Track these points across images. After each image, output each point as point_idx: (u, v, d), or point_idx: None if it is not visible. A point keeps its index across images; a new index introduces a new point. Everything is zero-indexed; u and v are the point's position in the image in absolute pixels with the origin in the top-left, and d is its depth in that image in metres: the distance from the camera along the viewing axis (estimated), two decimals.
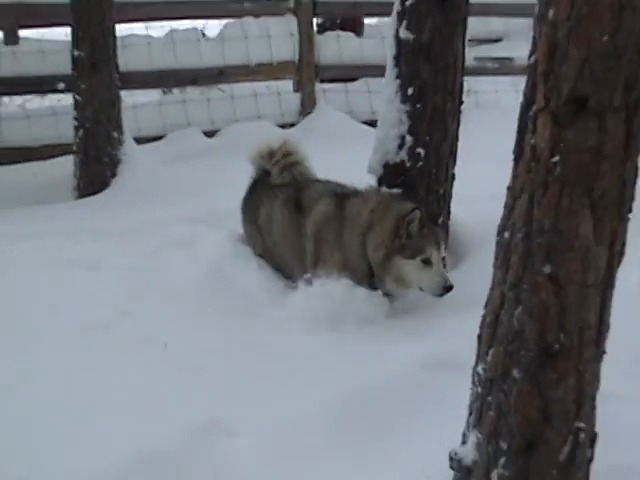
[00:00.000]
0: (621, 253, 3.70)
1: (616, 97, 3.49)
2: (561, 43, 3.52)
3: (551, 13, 3.54)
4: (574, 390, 3.67)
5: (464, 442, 3.93)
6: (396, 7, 7.57)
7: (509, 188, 3.77)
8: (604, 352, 3.78)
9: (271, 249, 7.68)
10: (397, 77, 7.58)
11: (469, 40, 8.08)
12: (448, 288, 6.72)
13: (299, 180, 7.80)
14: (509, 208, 3.75)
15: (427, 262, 6.77)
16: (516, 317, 3.68)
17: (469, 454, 3.87)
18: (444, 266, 6.94)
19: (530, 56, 3.67)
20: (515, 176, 3.73)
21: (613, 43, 3.46)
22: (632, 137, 3.55)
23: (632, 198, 3.65)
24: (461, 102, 7.76)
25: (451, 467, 3.96)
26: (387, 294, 7.02)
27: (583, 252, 3.58)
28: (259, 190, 7.97)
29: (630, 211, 3.67)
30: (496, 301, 3.79)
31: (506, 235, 3.75)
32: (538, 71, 3.60)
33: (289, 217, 7.49)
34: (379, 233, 6.90)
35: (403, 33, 7.49)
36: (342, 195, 7.29)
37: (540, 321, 3.64)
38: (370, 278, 7.00)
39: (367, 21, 15.18)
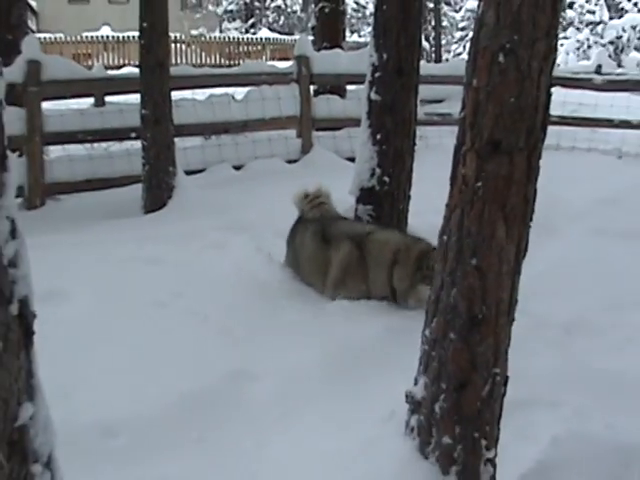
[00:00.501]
0: (525, 249, 3.72)
1: (520, 140, 3.52)
2: (482, 103, 3.55)
3: (475, 82, 3.57)
4: (492, 346, 3.69)
5: (416, 384, 3.94)
6: (368, 78, 7.67)
7: (447, 205, 3.79)
8: (514, 319, 3.80)
9: (299, 267, 7.32)
10: (369, 127, 7.65)
11: (421, 100, 8.12)
12: None
13: (326, 217, 7.44)
14: (447, 219, 3.77)
15: None
16: (452, 296, 3.70)
17: (419, 392, 3.88)
18: None
19: (461, 112, 3.69)
20: (451, 196, 3.75)
21: (518, 103, 3.49)
22: (532, 168, 3.59)
23: (532, 211, 3.67)
24: (414, 144, 7.81)
25: (406, 402, 3.97)
26: None
27: (499, 249, 3.60)
28: (298, 224, 7.57)
29: (531, 220, 3.69)
30: (438, 285, 3.81)
31: (444, 238, 3.76)
32: (466, 123, 3.62)
33: (316, 247, 7.15)
34: (404, 268, 6.61)
35: (373, 96, 7.59)
36: (360, 236, 6.96)
37: (469, 298, 3.65)
38: (393, 299, 6.72)
39: (349, 87, 15.09)
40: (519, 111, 3.51)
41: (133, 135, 11.41)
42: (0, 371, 2.04)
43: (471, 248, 3.63)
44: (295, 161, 12.95)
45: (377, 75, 7.57)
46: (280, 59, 33.67)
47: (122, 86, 12.67)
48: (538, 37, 3.48)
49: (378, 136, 7.59)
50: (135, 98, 10.69)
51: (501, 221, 3.59)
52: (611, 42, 41.04)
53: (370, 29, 7.80)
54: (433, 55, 42.91)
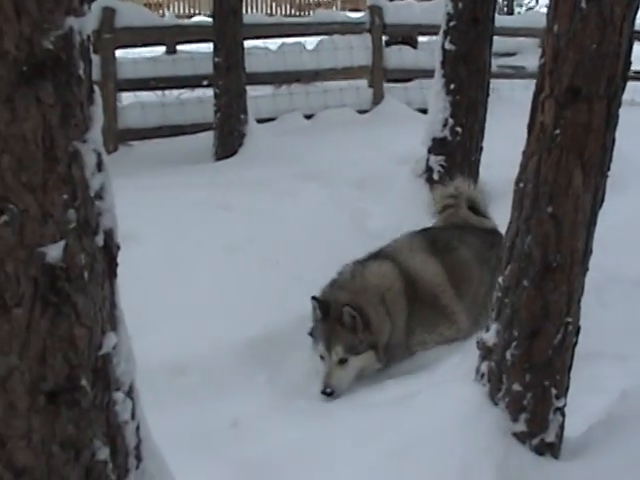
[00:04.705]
0: (602, 200, 3.70)
1: (601, 88, 3.49)
2: (562, 49, 3.51)
3: (555, 28, 3.53)
4: (566, 295, 3.67)
5: (487, 330, 3.94)
6: (442, 27, 7.65)
7: (524, 152, 3.75)
8: (587, 269, 3.78)
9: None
10: (443, 77, 7.66)
11: (493, 53, 8.05)
12: None
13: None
14: (523, 166, 3.74)
15: None
16: (527, 243, 3.68)
17: (491, 339, 3.87)
18: None
19: (540, 58, 3.66)
20: (528, 143, 3.72)
21: (599, 50, 3.45)
22: (611, 117, 3.56)
23: (610, 160, 3.64)
24: (488, 95, 7.78)
25: (477, 348, 3.97)
26: None
27: (575, 198, 3.58)
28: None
29: (609, 169, 3.66)
30: (513, 232, 3.78)
31: (521, 185, 3.74)
32: (546, 69, 3.59)
33: None
34: None
35: (447, 45, 7.57)
36: None
37: (543, 246, 3.64)
38: None
39: (420, 39, 14.93)
40: (600, 58, 3.47)
41: (205, 83, 11.44)
42: (85, 300, 2.08)
43: (547, 196, 3.60)
44: (366, 111, 12.89)
45: (452, 24, 7.54)
46: (351, 10, 33.34)
47: (195, 34, 12.68)
48: None
49: (452, 86, 7.58)
50: (206, 47, 10.70)
51: (578, 169, 3.56)
52: None
53: None
54: (505, 8, 42.22)
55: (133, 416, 2.35)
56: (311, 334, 5.17)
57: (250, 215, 7.19)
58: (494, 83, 12.55)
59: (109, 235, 2.19)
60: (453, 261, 5.69)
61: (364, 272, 5.42)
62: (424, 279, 5.50)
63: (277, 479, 3.99)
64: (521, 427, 3.80)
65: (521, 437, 3.80)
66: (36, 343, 1.98)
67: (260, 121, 11.18)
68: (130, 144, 11.53)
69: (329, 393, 4.89)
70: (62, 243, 1.99)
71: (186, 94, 13.09)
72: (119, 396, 2.25)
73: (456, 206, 6.36)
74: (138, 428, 2.39)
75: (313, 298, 5.14)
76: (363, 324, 5.06)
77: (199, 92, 12.42)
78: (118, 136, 11.32)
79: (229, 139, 10.25)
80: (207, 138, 10.54)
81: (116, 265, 2.27)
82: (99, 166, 2.13)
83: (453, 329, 5.46)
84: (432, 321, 5.41)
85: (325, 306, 5.11)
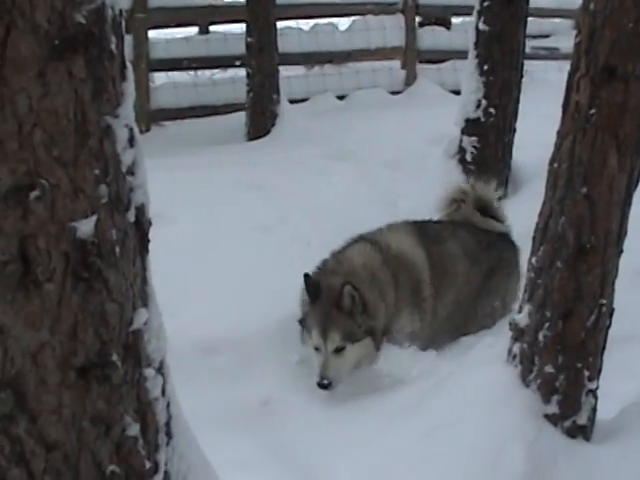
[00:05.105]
0: (637, 180, 3.65)
1: (637, 67, 3.44)
2: (598, 28, 3.46)
3: (592, 6, 3.48)
4: (599, 277, 3.64)
5: (520, 312, 3.91)
6: (476, 7, 7.64)
7: (558, 132, 3.71)
8: (622, 251, 3.74)
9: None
10: (476, 57, 7.64)
11: (527, 35, 8.02)
12: None
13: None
14: (558, 146, 3.70)
15: None
16: (560, 224, 3.65)
17: (523, 320, 3.84)
18: None
19: (576, 37, 3.61)
20: (563, 123, 3.68)
21: (636, 28, 3.40)
22: None
23: None
24: (522, 76, 7.77)
25: (510, 329, 3.95)
26: None
27: (610, 178, 3.54)
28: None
29: None
30: (546, 212, 3.75)
31: (555, 165, 3.70)
32: (581, 48, 3.54)
33: None
34: None
35: (481, 25, 7.56)
36: None
37: (577, 227, 3.60)
38: None
39: (454, 20, 14.86)
40: (637, 37, 3.41)
41: (237, 63, 11.44)
42: (116, 276, 2.07)
43: (582, 176, 3.56)
44: (398, 92, 12.86)
45: (486, 4, 7.52)
46: None
47: (228, 14, 12.64)
48: None
49: (485, 67, 7.55)
50: (239, 27, 10.69)
51: (613, 149, 3.51)
52: None
53: None
54: None
55: (164, 393, 2.35)
56: (301, 322, 4.98)
57: (282, 195, 7.19)
58: (527, 65, 12.52)
59: (141, 211, 2.18)
60: (438, 253, 5.53)
61: (349, 255, 5.26)
62: (407, 258, 5.36)
63: (307, 458, 4.00)
64: (553, 409, 3.78)
65: (552, 419, 3.78)
66: (67, 318, 1.97)
67: (292, 102, 11.17)
68: (163, 124, 11.55)
69: (326, 385, 4.66)
70: (94, 218, 1.97)
71: (219, 74, 13.08)
72: (150, 372, 2.24)
73: (462, 203, 6.10)
74: (169, 405, 2.38)
75: (306, 276, 4.92)
76: (362, 306, 4.85)
77: (232, 72, 12.42)
78: (151, 116, 11.34)
79: (261, 119, 10.25)
80: (239, 118, 10.54)
81: (148, 241, 2.25)
82: (131, 141, 2.11)
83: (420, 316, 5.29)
84: (412, 302, 5.25)
85: (315, 288, 4.89)
